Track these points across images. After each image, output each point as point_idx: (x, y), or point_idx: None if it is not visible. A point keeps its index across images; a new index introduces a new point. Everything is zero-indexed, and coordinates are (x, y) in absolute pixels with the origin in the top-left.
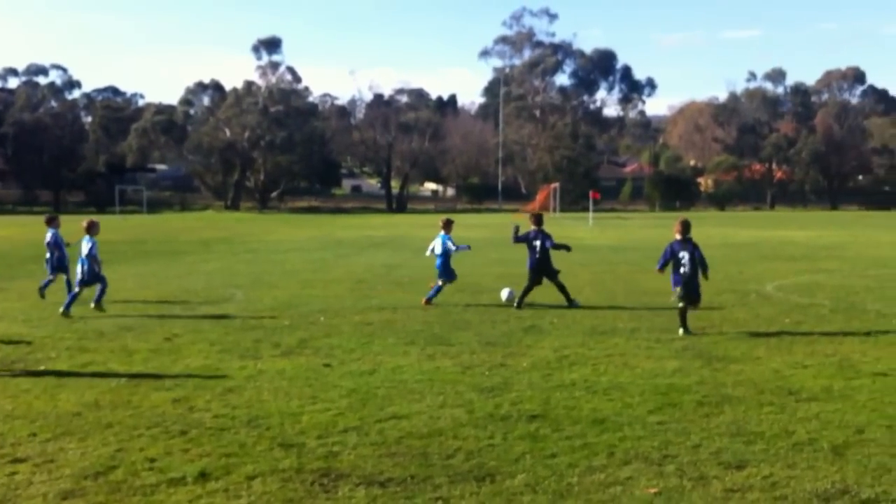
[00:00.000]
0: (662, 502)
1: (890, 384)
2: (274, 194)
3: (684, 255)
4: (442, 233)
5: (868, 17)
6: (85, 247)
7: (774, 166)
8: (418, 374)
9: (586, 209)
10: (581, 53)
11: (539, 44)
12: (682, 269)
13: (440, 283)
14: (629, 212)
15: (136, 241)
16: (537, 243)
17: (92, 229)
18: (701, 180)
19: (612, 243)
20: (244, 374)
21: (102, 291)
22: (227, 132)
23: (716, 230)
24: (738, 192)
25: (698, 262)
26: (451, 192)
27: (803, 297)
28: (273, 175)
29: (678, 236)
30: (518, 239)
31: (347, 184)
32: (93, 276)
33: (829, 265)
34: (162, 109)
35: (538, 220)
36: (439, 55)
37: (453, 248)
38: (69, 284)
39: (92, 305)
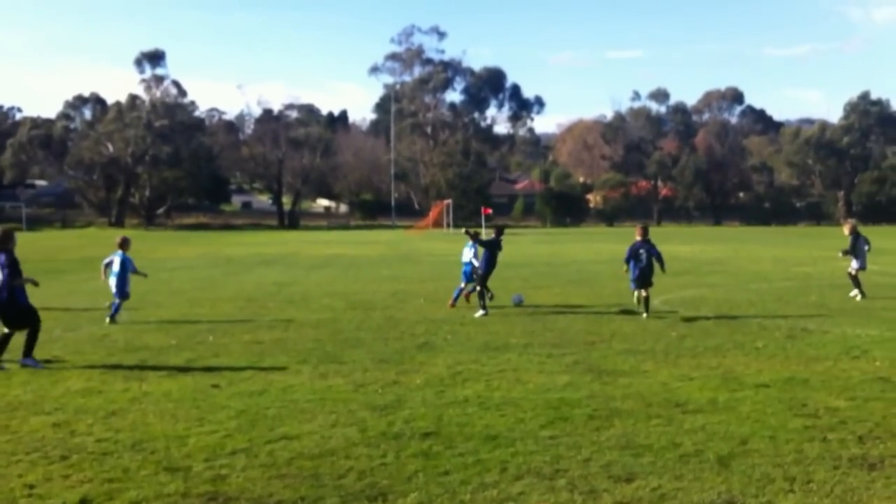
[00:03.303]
0: None
1: (772, 395)
2: (160, 211)
3: (643, 252)
4: (469, 242)
5: (746, 40)
6: (117, 262)
7: (660, 183)
8: (310, 393)
9: (479, 225)
10: (471, 71)
11: (429, 61)
12: (640, 263)
13: (462, 285)
14: (521, 228)
15: None
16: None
17: (124, 245)
18: (590, 197)
19: (504, 259)
20: (128, 396)
21: (119, 305)
22: (110, 147)
23: (605, 246)
24: (625, 208)
25: (655, 257)
26: (343, 208)
27: (689, 310)
28: (159, 191)
29: (639, 238)
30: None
31: (237, 200)
32: (126, 290)
33: (712, 280)
34: (40, 123)
35: (500, 230)
36: (329, 71)
37: (475, 261)
38: None
39: (107, 321)
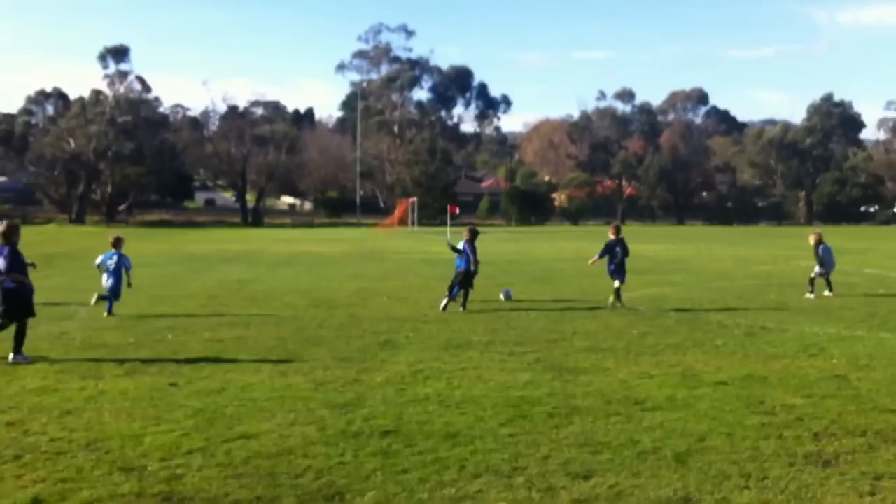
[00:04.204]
0: None
1: (730, 393)
2: (122, 207)
3: (618, 250)
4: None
5: (712, 42)
6: (112, 260)
7: (624, 182)
8: (269, 391)
9: (444, 223)
10: (438, 70)
11: (396, 59)
12: (616, 259)
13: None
14: (486, 226)
15: None
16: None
17: (118, 244)
18: (555, 195)
19: None
20: (84, 395)
21: (112, 299)
22: (72, 143)
23: (570, 244)
24: (590, 207)
25: (624, 253)
26: (308, 205)
27: (651, 309)
28: (121, 187)
29: (612, 236)
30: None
31: (201, 197)
32: (119, 286)
33: (674, 278)
34: (0, 119)
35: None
36: (296, 68)
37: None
38: None
39: (92, 301)
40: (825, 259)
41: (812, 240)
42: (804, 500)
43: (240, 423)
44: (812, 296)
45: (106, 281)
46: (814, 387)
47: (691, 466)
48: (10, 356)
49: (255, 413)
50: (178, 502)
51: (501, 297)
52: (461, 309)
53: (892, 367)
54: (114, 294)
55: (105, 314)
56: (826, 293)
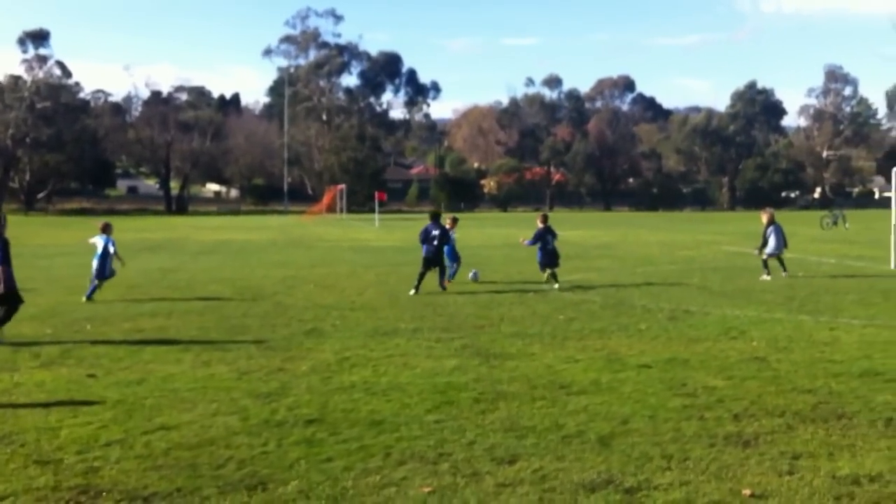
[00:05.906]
0: (436, 501)
1: (653, 375)
2: (41, 195)
3: (548, 237)
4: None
5: (638, 29)
6: (100, 245)
7: (553, 169)
8: (191, 381)
9: (373, 210)
10: (367, 56)
11: (324, 44)
12: (548, 246)
13: (455, 266)
14: (415, 213)
15: None
16: (436, 233)
17: (107, 229)
18: (484, 182)
19: (397, 244)
20: None
21: (98, 286)
22: None
23: (498, 231)
24: (519, 193)
25: (555, 239)
26: (234, 193)
27: (577, 294)
28: (40, 175)
29: (541, 225)
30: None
31: (123, 184)
32: (106, 271)
33: (601, 264)
34: None
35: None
36: (221, 53)
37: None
38: None
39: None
40: (772, 239)
41: (765, 218)
42: (725, 480)
43: (160, 414)
44: (768, 277)
45: (95, 265)
46: (734, 369)
47: (614, 449)
48: None
49: (175, 404)
50: (95, 495)
51: (469, 277)
52: (442, 288)
53: (810, 349)
54: (98, 276)
55: (84, 299)
56: (763, 277)
